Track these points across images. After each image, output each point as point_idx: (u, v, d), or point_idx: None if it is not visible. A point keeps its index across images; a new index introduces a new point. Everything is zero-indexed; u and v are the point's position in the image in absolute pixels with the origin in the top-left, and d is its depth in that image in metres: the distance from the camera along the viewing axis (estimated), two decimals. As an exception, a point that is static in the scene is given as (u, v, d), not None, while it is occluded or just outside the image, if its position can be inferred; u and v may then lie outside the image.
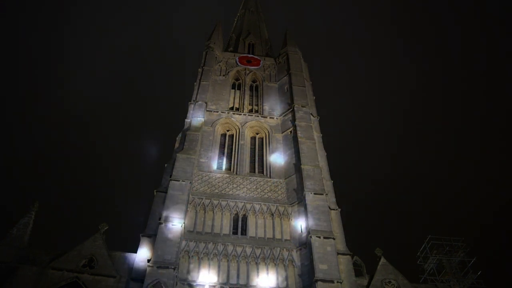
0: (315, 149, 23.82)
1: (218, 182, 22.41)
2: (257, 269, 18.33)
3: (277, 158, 24.53)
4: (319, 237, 18.38)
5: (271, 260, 18.73)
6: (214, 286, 17.58)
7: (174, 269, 16.55)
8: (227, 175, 23.01)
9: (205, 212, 20.53)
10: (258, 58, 33.82)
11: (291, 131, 25.79)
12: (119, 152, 71.75)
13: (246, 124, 26.83)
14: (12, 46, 75.55)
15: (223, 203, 21.01)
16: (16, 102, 70.32)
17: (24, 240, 18.55)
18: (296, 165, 22.95)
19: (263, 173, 23.97)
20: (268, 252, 18.98)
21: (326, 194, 20.85)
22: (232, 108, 28.87)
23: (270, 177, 23.32)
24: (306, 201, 20.12)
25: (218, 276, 17.93)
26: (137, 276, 17.15)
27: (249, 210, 20.95)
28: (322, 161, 24.14)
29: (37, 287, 16.42)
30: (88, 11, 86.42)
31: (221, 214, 20.54)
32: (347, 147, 70.47)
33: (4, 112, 66.80)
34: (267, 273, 18.19)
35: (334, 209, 21.20)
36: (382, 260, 19.86)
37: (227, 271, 18.23)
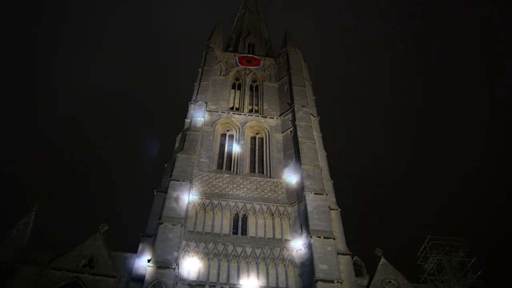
0: (315, 149, 23.82)
1: (218, 182, 22.39)
2: (257, 269, 18.33)
3: (277, 158, 24.62)
4: (319, 237, 18.37)
5: (271, 260, 18.75)
6: (214, 286, 17.58)
7: (174, 269, 16.55)
8: (227, 175, 23.01)
9: (205, 212, 20.55)
10: (258, 58, 33.80)
11: (291, 131, 25.80)
12: (119, 152, 71.78)
13: (246, 124, 26.82)
14: (14, 45, 75.58)
15: (223, 203, 21.02)
16: (16, 102, 70.37)
17: (24, 240, 18.55)
18: (296, 165, 22.97)
19: (263, 173, 23.99)
20: (268, 252, 19.01)
21: (326, 194, 20.84)
22: (232, 108, 28.85)
23: (270, 177, 23.34)
24: (306, 201, 20.12)
25: (218, 276, 17.93)
26: (137, 276, 17.14)
27: (249, 210, 20.95)
28: (322, 161, 24.14)
29: (37, 287, 16.42)
30: (86, 12, 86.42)
31: (221, 214, 20.55)
32: (347, 147, 70.50)
33: (4, 112, 66.83)
34: (267, 273, 18.23)
35: (334, 209, 21.21)
36: (382, 260, 19.86)
37: (227, 271, 18.23)
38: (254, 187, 22.30)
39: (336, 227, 20.05)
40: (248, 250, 19.03)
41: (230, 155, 25.00)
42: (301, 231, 19.72)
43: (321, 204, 20.14)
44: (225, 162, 24.35)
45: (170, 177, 20.86)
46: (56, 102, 72.96)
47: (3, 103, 66.81)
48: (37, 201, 20.43)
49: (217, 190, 21.80)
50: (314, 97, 30.68)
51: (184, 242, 18.58)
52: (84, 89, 76.99)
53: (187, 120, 25.95)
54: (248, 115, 27.67)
